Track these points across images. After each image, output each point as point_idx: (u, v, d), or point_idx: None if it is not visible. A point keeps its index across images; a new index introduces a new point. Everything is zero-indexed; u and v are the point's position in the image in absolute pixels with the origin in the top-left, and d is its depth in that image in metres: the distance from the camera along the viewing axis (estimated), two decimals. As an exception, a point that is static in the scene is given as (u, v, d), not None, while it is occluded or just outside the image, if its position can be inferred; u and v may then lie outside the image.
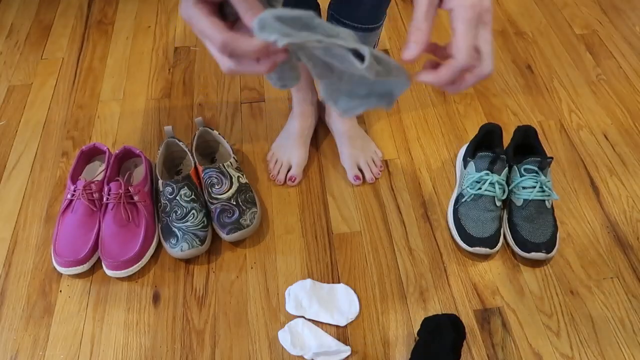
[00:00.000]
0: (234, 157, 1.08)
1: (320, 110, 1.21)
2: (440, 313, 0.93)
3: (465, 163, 1.07)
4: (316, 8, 1.02)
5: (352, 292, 0.96)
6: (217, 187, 1.02)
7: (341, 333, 0.92)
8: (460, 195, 1.04)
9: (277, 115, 1.26)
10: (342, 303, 0.95)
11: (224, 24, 0.49)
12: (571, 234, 1.04)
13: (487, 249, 0.98)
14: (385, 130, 1.22)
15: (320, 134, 1.21)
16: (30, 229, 1.06)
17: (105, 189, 1.02)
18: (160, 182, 1.03)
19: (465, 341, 0.89)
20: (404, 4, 1.54)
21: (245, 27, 0.49)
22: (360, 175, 1.12)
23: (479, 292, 0.97)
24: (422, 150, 1.18)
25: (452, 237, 1.04)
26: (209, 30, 0.48)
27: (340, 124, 1.15)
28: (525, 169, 1.01)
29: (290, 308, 0.94)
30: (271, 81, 0.58)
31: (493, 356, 0.89)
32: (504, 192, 1.02)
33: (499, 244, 1.00)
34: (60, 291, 0.98)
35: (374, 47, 1.06)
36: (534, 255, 0.97)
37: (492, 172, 1.01)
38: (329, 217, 1.07)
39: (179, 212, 1.00)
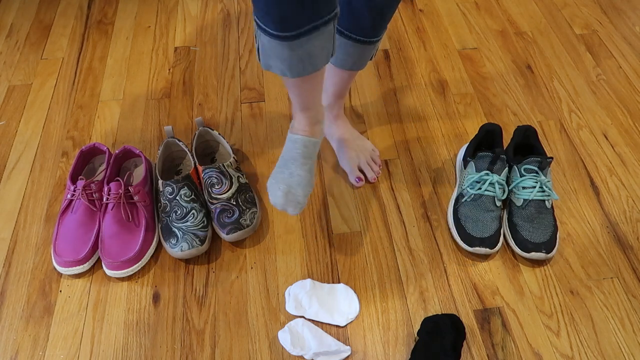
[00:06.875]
0: (234, 157, 1.08)
1: None
2: (440, 313, 0.94)
3: (465, 163, 1.07)
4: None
5: (352, 292, 0.96)
6: (217, 187, 1.02)
7: (341, 333, 0.92)
8: (460, 195, 1.04)
9: (277, 115, 1.26)
10: (342, 303, 0.95)
11: None
12: (571, 234, 1.04)
13: (487, 249, 0.98)
14: (385, 130, 1.22)
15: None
16: (30, 229, 1.06)
17: (105, 189, 1.02)
18: (160, 182, 1.03)
19: (465, 341, 0.89)
20: (404, 3, 1.54)
21: None
22: (362, 177, 1.12)
23: (479, 292, 0.97)
24: (422, 150, 1.18)
25: (452, 237, 1.03)
26: None
27: (335, 128, 1.15)
28: (525, 169, 1.01)
29: (290, 308, 0.94)
30: None
31: (493, 356, 0.89)
32: (504, 192, 1.02)
33: (499, 244, 1.00)
34: (60, 291, 0.98)
35: (370, 59, 1.05)
36: (534, 255, 0.97)
37: (492, 172, 1.01)
38: (329, 217, 1.07)
39: (179, 212, 1.00)
